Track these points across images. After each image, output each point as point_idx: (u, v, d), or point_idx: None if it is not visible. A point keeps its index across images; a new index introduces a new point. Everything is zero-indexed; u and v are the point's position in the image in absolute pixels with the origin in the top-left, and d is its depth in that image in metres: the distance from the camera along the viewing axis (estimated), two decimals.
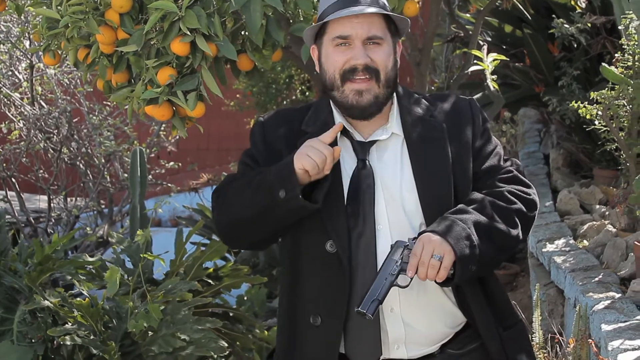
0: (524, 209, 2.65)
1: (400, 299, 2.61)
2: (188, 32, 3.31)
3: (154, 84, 3.52)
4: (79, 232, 8.94)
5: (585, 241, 5.05)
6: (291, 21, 3.91)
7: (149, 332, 4.35)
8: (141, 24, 3.55)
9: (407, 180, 2.64)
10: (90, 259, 4.89)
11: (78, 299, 4.45)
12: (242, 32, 3.74)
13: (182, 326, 4.30)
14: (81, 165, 8.58)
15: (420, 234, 2.53)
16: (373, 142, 2.69)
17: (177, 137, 9.09)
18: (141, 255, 4.34)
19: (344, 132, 2.70)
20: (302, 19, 3.81)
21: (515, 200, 2.65)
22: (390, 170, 2.66)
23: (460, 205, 2.61)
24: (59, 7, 3.58)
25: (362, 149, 2.68)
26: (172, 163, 9.31)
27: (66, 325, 4.26)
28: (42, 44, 3.99)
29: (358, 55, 2.60)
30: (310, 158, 2.50)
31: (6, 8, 4.25)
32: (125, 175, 8.43)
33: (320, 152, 2.51)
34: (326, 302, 2.63)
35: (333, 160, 2.55)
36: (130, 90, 3.67)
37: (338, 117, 2.71)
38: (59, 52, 4.02)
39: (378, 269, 2.52)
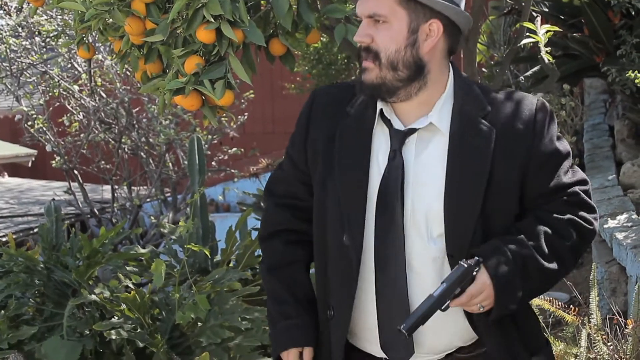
0: (581, 243, 2.46)
1: None
2: (212, 20, 3.22)
3: (183, 73, 3.45)
4: (145, 221, 9.00)
5: None
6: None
7: (198, 324, 4.31)
8: (168, 12, 3.47)
9: (438, 185, 2.41)
10: (142, 251, 4.88)
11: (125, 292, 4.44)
12: (273, 16, 3.64)
13: (230, 316, 4.25)
14: (142, 154, 8.61)
15: (480, 259, 2.33)
16: (411, 131, 2.45)
17: (239, 122, 9.12)
18: (185, 247, 4.29)
19: (384, 118, 2.49)
20: None
21: (574, 234, 2.43)
22: (424, 170, 2.43)
23: (520, 237, 2.39)
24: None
25: (397, 138, 2.45)
26: (234, 149, 9.31)
27: (112, 319, 4.24)
28: (76, 37, 3.96)
29: (358, 32, 2.42)
30: None
31: (46, 2, 4.22)
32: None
33: None
34: (337, 296, 2.51)
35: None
36: (162, 80, 3.60)
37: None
38: (94, 45, 3.99)
39: (436, 290, 2.30)
